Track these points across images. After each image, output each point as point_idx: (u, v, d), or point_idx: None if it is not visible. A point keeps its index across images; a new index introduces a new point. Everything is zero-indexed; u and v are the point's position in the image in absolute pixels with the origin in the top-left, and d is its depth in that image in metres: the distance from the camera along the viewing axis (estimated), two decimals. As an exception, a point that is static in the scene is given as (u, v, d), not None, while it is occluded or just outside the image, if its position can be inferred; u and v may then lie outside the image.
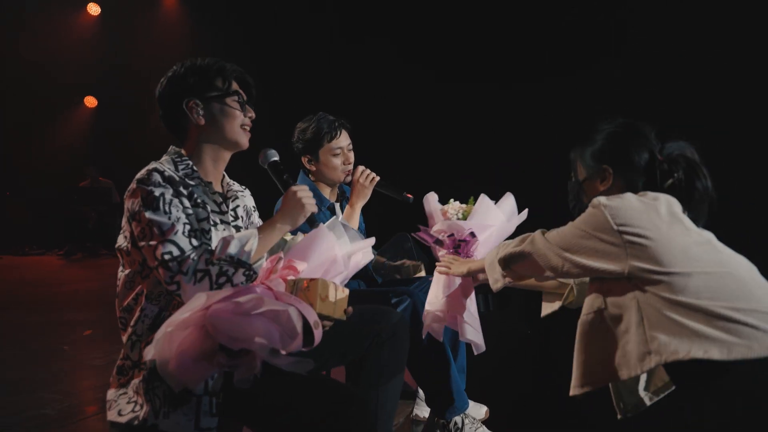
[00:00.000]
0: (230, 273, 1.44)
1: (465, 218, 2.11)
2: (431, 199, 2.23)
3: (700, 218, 1.54)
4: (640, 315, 1.41)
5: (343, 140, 2.52)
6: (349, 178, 2.52)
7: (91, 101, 9.82)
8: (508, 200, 2.19)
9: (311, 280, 1.45)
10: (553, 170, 4.06)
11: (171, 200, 1.53)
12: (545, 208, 4.03)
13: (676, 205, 1.50)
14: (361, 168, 2.47)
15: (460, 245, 2.10)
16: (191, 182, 1.63)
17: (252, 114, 1.75)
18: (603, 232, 1.45)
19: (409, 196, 2.38)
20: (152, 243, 1.47)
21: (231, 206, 1.74)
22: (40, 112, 9.35)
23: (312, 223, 1.64)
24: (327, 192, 2.61)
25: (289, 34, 5.84)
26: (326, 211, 2.55)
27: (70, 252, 8.23)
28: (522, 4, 4.45)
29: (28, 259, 8.03)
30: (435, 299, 2.07)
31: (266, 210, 2.28)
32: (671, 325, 1.37)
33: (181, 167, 1.66)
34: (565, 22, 4.27)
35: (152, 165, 1.60)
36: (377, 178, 2.45)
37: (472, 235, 2.08)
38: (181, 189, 1.57)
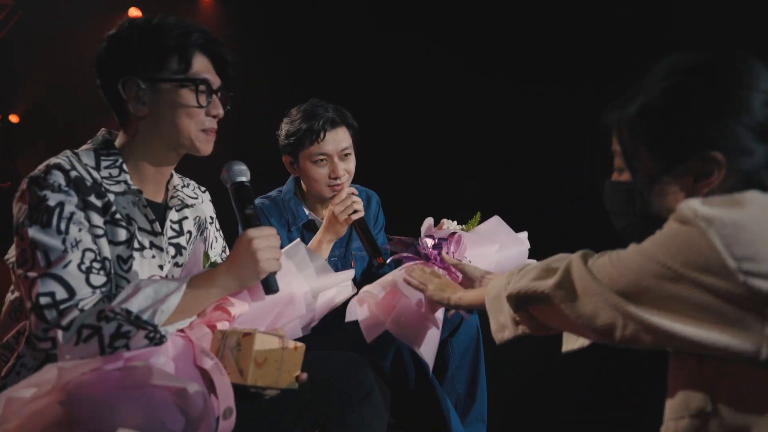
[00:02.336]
0: (131, 334, 1.04)
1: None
2: (427, 224, 1.78)
3: None
4: None
5: (331, 144, 1.93)
6: (332, 194, 1.95)
7: (133, 106, 10.16)
8: (522, 238, 1.81)
9: (245, 334, 1.08)
10: (556, 171, 4.06)
11: (72, 214, 1.12)
12: (546, 210, 4.02)
13: None
14: (345, 192, 1.90)
15: (441, 244, 1.67)
16: (113, 188, 1.23)
17: (219, 111, 1.30)
18: (705, 272, 0.77)
19: (380, 260, 1.86)
20: (30, 275, 1.08)
21: (175, 218, 1.35)
22: (85, 116, 9.69)
23: (267, 287, 1.18)
24: (315, 202, 2.08)
25: (332, 27, 5.90)
26: (300, 229, 2.04)
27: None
28: (523, 4, 4.42)
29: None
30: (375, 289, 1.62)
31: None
32: None
33: (105, 164, 1.25)
34: (568, 22, 4.23)
35: (58, 158, 1.21)
36: (358, 215, 1.87)
37: (454, 233, 1.69)
38: (93, 198, 1.18)
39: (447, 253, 1.65)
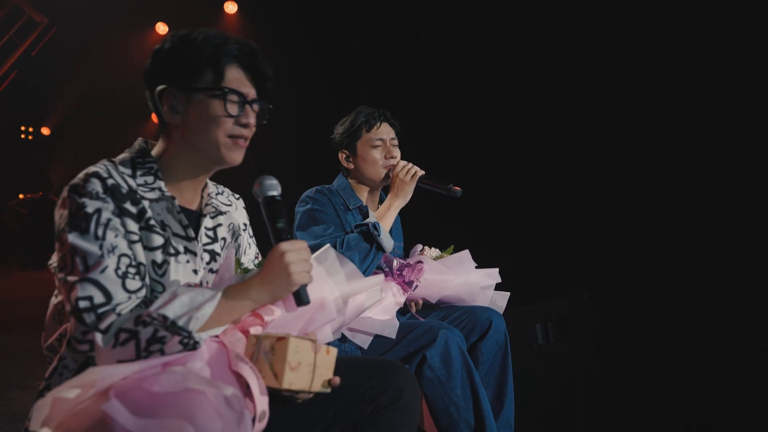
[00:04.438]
0: (166, 339, 1.06)
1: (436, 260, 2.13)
2: (414, 248, 2.23)
3: None
4: None
5: (385, 131, 2.24)
6: (386, 173, 2.22)
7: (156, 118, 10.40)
8: (491, 273, 2.15)
9: (279, 339, 1.09)
10: (556, 171, 4.11)
11: (108, 220, 1.15)
12: (548, 210, 4.07)
13: None
14: (402, 162, 2.18)
15: (405, 268, 2.05)
16: (148, 195, 1.25)
17: (249, 120, 1.29)
18: None
19: (456, 188, 2.09)
20: (70, 279, 1.11)
21: (210, 225, 1.37)
22: (113, 127, 10.00)
23: (299, 299, 1.19)
24: (364, 194, 2.30)
25: (351, 33, 5.99)
26: (354, 211, 2.23)
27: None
28: (523, 6, 4.44)
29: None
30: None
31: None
32: None
33: (140, 172, 1.27)
34: (567, 23, 4.20)
35: (96, 166, 1.23)
36: (420, 173, 2.14)
37: (419, 263, 2.06)
38: (128, 205, 1.20)
39: (404, 274, 2.04)
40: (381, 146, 2.21)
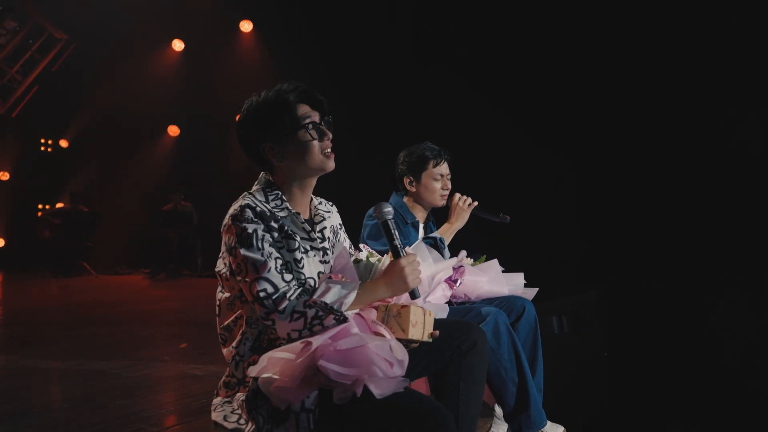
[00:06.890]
0: (323, 317, 1.49)
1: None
2: (461, 253, 2.60)
3: None
4: None
5: (445, 169, 2.75)
6: (443, 203, 2.76)
7: (173, 130, 10.75)
8: (518, 277, 2.55)
9: (402, 307, 1.55)
10: (570, 186, 4.38)
11: (263, 236, 1.56)
12: (562, 219, 4.34)
13: None
14: (457, 194, 2.75)
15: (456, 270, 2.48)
16: (281, 213, 1.66)
17: (328, 134, 1.71)
18: None
19: (506, 216, 2.65)
20: (248, 279, 1.53)
21: (319, 228, 1.76)
22: (129, 140, 10.31)
23: (413, 295, 1.65)
24: (417, 211, 2.80)
25: (366, 50, 6.37)
26: (409, 225, 2.73)
27: (155, 272, 9.01)
28: (522, 8, 4.65)
29: (119, 279, 8.88)
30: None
31: (354, 224, 2.44)
32: None
33: (271, 197, 1.68)
34: (567, 24, 4.44)
35: (245, 200, 1.63)
36: (475, 203, 2.73)
37: (461, 266, 2.43)
38: (272, 223, 1.61)
39: (451, 276, 2.39)
40: (440, 180, 2.73)
